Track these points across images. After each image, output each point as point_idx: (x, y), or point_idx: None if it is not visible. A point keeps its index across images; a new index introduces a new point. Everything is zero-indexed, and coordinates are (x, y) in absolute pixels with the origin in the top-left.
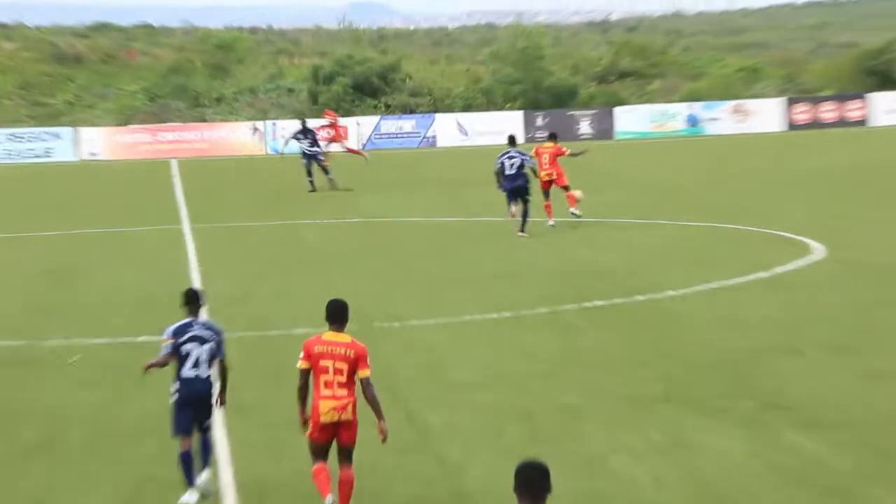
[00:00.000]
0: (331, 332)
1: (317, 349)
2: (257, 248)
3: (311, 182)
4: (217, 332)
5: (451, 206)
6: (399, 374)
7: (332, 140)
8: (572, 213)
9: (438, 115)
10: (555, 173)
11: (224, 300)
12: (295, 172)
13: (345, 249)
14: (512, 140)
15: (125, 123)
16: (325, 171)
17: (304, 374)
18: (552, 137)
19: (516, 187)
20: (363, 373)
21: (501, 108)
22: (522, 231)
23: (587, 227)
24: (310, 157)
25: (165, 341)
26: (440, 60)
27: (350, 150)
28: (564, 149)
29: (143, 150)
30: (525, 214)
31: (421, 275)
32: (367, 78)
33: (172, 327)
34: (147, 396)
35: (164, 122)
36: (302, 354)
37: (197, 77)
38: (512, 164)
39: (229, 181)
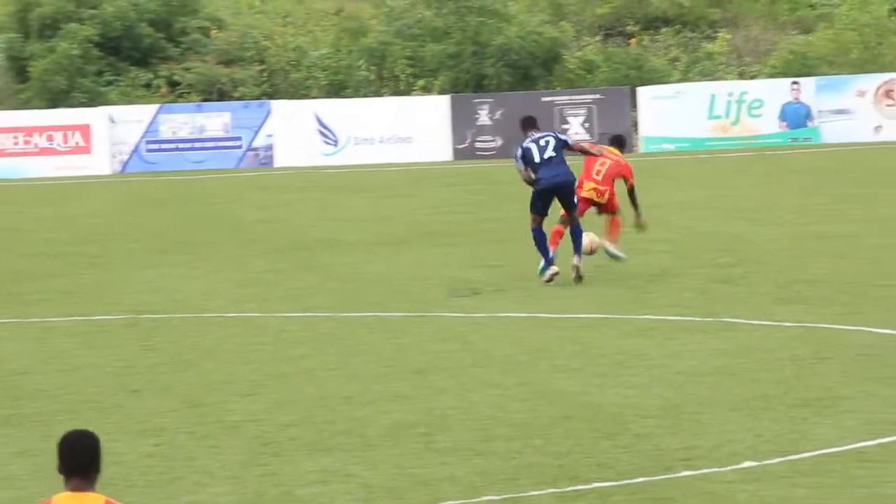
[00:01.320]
0: (66, 496)
1: None
2: None
3: None
4: None
5: (308, 288)
6: None
7: None
8: (609, 254)
9: (278, 105)
10: (607, 194)
11: None
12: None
13: (87, 384)
14: (531, 123)
15: None
16: None
17: None
18: (618, 142)
19: (558, 184)
20: None
21: (409, 91)
22: (577, 272)
23: (578, 328)
24: None
25: None
26: None
27: None
28: (633, 179)
29: None
30: (577, 233)
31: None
32: (131, 28)
33: None
34: None
35: None
36: None
37: None
38: (546, 146)
39: None
